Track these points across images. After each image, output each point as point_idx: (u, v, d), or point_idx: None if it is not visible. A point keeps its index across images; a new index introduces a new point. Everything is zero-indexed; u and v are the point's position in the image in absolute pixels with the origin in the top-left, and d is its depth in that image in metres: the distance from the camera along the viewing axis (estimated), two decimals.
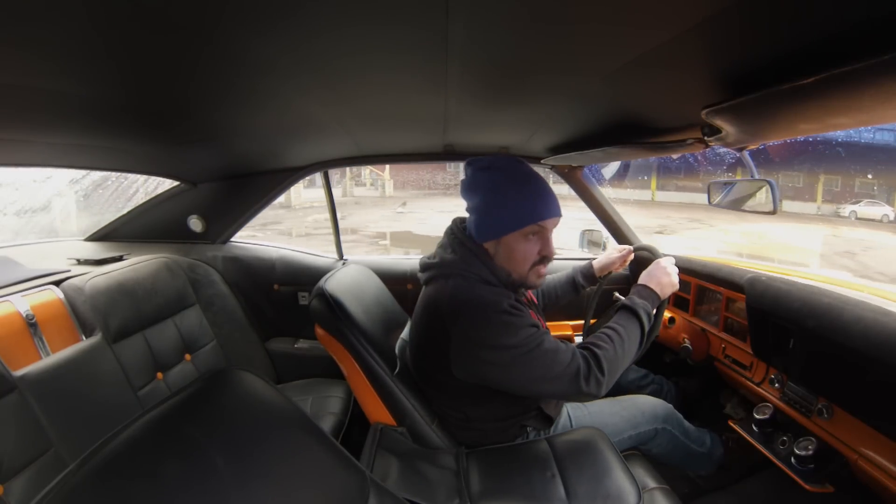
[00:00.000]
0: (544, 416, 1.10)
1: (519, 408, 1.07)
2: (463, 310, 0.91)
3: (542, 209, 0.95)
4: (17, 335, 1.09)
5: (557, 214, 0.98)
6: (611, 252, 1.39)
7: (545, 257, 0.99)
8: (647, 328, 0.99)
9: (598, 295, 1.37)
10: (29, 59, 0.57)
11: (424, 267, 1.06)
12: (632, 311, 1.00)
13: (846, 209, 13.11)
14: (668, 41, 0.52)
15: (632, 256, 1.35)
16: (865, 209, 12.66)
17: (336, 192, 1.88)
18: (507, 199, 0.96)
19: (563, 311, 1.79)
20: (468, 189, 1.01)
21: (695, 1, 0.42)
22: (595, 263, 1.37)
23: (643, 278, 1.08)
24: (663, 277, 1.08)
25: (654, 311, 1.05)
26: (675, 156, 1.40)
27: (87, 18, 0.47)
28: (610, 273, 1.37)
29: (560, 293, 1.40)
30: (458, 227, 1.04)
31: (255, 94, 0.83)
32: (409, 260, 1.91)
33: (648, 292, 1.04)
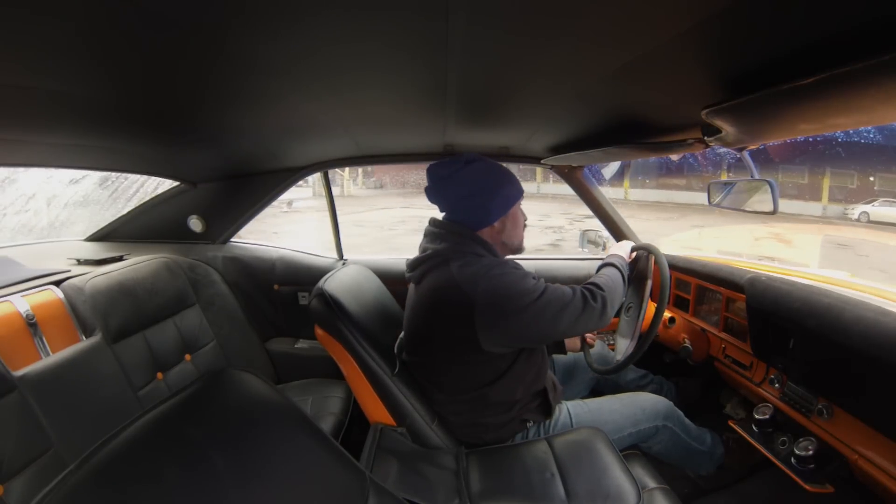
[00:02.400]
0: (545, 404, 1.13)
1: (524, 389, 1.09)
2: (479, 273, 0.98)
3: (520, 184, 1.14)
4: (17, 335, 1.09)
5: None
6: None
7: (525, 222, 1.19)
8: (625, 274, 1.15)
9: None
10: (30, 59, 0.57)
11: (415, 264, 1.09)
12: (606, 264, 1.17)
13: (856, 210, 11.48)
14: (668, 41, 0.52)
15: None
16: (881, 210, 11.09)
17: (308, 191, 1.88)
18: (503, 178, 1.10)
19: None
20: (452, 185, 1.08)
21: (695, 1, 0.42)
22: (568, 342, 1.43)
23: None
24: (618, 245, 1.30)
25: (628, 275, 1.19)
26: (675, 157, 1.40)
27: (89, 19, 0.47)
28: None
29: None
30: (438, 223, 1.11)
31: (258, 97, 0.83)
32: None
33: (614, 256, 1.22)
